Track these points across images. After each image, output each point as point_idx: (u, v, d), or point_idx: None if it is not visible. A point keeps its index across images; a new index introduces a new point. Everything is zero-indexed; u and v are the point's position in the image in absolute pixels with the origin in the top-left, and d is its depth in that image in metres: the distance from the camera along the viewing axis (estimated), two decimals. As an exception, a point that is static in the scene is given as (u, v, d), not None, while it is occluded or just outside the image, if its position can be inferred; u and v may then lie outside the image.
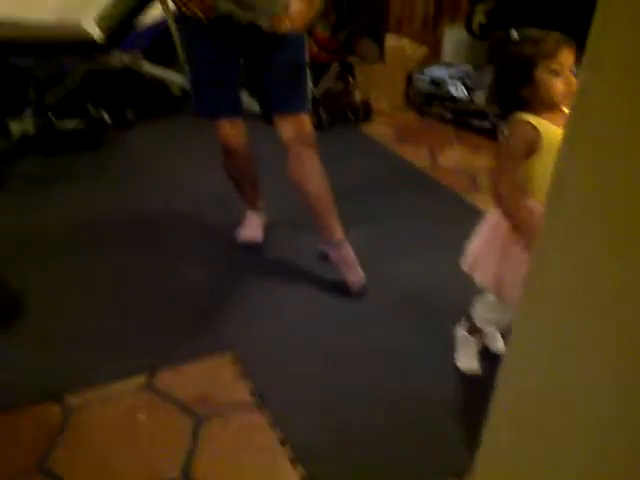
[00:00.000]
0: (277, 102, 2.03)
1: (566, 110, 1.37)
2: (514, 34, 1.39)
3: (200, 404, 1.66)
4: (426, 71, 3.61)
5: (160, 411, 1.64)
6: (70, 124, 2.90)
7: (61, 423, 1.58)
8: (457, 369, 1.77)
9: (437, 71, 3.60)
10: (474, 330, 1.75)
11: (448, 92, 3.48)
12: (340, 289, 2.09)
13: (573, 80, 1.34)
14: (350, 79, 3.33)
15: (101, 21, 2.95)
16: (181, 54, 2.15)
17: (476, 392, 1.66)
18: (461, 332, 1.78)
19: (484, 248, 1.57)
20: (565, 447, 0.59)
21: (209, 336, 1.89)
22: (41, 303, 1.98)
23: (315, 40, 3.04)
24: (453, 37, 4.06)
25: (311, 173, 2.03)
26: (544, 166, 1.38)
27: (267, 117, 2.50)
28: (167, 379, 1.74)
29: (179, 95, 3.37)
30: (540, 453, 0.62)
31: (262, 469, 1.50)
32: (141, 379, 1.73)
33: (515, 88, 1.38)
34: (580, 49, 1.28)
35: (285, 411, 1.64)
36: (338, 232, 2.08)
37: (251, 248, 2.33)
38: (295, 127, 2.01)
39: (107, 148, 2.99)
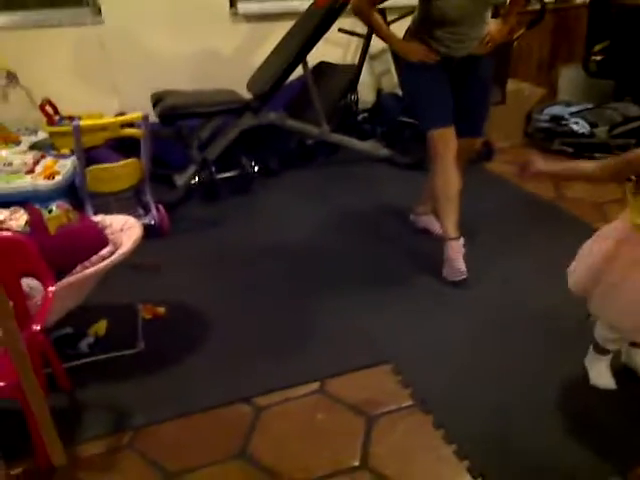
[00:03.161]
0: (464, 127, 2.50)
1: None
2: None
3: (369, 407, 1.89)
4: (545, 110, 3.77)
5: (335, 411, 1.88)
6: (226, 174, 3.32)
7: (253, 420, 1.86)
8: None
9: (556, 109, 3.75)
10: (600, 350, 1.86)
11: (569, 128, 3.62)
12: (483, 307, 2.30)
13: None
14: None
15: (253, 85, 3.40)
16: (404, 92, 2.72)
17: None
18: (590, 351, 1.89)
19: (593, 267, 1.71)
20: None
21: (368, 350, 2.13)
22: (222, 321, 2.31)
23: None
24: (569, 77, 4.20)
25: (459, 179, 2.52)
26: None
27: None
28: (337, 386, 1.98)
29: (312, 144, 3.76)
30: None
31: (432, 462, 1.69)
32: (315, 386, 1.99)
33: None
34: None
35: (447, 414, 1.83)
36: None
37: (462, 284, 2.46)
38: (470, 145, 2.62)
39: (256, 193, 3.39)
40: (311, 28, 3.30)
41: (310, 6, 3.46)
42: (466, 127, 2.52)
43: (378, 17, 2.45)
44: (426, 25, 2.37)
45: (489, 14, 2.42)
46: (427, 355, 2.10)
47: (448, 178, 2.48)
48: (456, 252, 2.49)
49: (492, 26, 2.43)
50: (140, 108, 2.81)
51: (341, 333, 2.23)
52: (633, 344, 1.87)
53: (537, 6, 3.64)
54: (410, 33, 2.45)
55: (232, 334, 2.25)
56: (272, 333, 2.25)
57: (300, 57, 3.28)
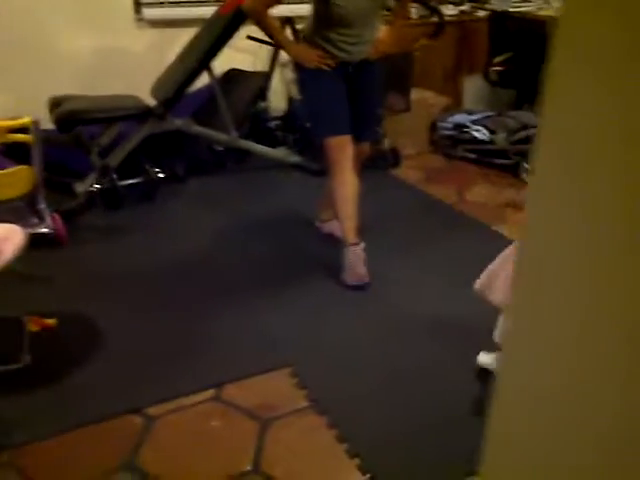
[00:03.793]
0: (362, 133, 2.59)
1: None
2: None
3: (264, 411, 1.87)
4: (449, 118, 3.90)
5: (229, 417, 1.85)
6: (129, 181, 3.23)
7: (143, 431, 1.80)
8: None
9: (459, 117, 3.89)
10: None
11: (471, 135, 3.75)
12: (382, 310, 2.33)
13: None
14: (379, 129, 3.62)
15: (156, 91, 3.33)
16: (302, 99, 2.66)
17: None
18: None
19: (500, 268, 1.78)
20: (566, 440, 0.62)
21: (266, 354, 2.11)
22: (115, 333, 2.23)
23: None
24: (472, 87, 4.37)
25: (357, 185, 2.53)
26: None
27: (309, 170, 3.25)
28: (233, 392, 1.95)
29: (222, 151, 3.72)
30: (540, 446, 0.65)
31: (323, 461, 1.69)
32: (210, 393, 1.95)
33: None
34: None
35: (340, 414, 1.84)
36: (351, 236, 2.51)
37: (363, 288, 2.48)
38: (362, 151, 2.64)
39: (161, 201, 3.31)
40: (215, 35, 3.27)
41: (215, 13, 3.44)
42: (361, 133, 2.56)
43: (273, 21, 2.45)
44: (321, 28, 2.39)
45: (379, 17, 2.48)
46: (324, 357, 2.10)
47: (346, 184, 2.50)
48: (356, 257, 2.51)
49: (382, 32, 2.50)
50: (38, 113, 2.69)
51: (240, 339, 2.20)
52: None
53: (437, 18, 3.76)
54: (305, 38, 2.47)
55: (126, 345, 2.17)
56: (168, 342, 2.19)
57: (204, 63, 3.25)
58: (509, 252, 1.80)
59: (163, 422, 1.83)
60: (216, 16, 3.40)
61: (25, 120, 2.50)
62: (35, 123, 2.51)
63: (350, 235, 2.52)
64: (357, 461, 1.67)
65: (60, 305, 2.36)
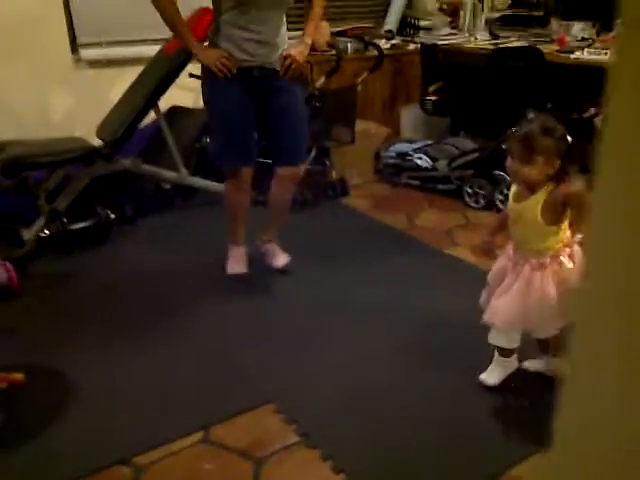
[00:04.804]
0: (283, 154, 2.62)
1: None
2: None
3: (256, 449, 1.85)
4: (391, 147, 4.04)
5: (222, 459, 1.82)
6: (79, 224, 3.14)
7: (134, 481, 1.75)
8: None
9: (401, 146, 4.04)
10: (508, 353, 2.01)
11: (414, 163, 3.91)
12: (349, 335, 2.37)
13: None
14: (327, 161, 3.71)
15: (103, 132, 3.28)
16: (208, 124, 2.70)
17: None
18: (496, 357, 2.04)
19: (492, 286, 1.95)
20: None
21: (248, 391, 2.10)
22: (86, 382, 2.15)
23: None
24: (409, 116, 4.56)
25: (289, 197, 2.76)
26: None
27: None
28: (220, 433, 1.92)
29: (169, 189, 3.69)
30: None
31: (324, 494, 1.69)
32: (198, 436, 1.91)
33: None
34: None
35: (332, 445, 1.85)
36: (273, 234, 2.87)
37: (240, 278, 2.79)
38: (293, 174, 2.66)
39: (112, 242, 3.23)
40: (162, 74, 3.27)
41: (159, 52, 3.44)
42: (284, 156, 2.62)
43: (178, 14, 2.40)
44: (222, 26, 2.38)
45: (284, 23, 2.47)
46: (306, 389, 2.10)
47: (240, 195, 2.70)
48: (240, 252, 2.83)
49: (292, 49, 2.50)
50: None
51: (219, 378, 2.18)
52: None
53: (376, 52, 3.92)
54: (209, 41, 2.47)
55: (99, 393, 2.10)
56: (143, 386, 2.13)
57: (151, 103, 3.23)
58: (496, 269, 1.95)
59: (154, 470, 1.78)
60: (160, 56, 3.41)
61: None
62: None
63: (238, 236, 2.80)
64: (358, 490, 1.69)
65: (24, 358, 2.26)
